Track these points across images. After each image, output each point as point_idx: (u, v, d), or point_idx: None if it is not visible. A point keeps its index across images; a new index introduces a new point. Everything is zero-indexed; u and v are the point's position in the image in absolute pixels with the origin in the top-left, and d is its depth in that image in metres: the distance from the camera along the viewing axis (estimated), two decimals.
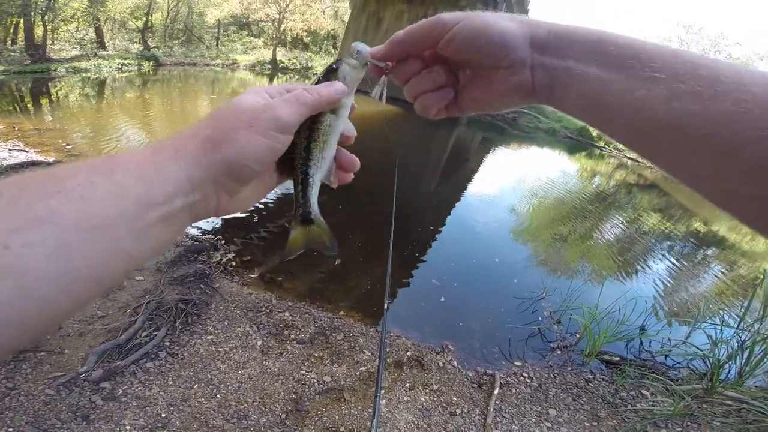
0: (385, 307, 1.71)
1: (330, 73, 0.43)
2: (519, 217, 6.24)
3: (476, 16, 0.37)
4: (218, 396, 2.17)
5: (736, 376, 2.76)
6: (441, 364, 2.72)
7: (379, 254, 3.94)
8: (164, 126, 8.09)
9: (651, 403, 2.66)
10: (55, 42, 15.22)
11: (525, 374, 2.78)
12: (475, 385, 2.61)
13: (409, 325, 3.11)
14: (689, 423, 2.50)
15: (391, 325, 3.03)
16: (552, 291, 3.87)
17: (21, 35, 13.64)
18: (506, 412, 2.44)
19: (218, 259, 3.46)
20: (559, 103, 0.37)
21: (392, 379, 2.53)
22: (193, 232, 3.82)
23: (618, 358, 3.05)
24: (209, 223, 4.01)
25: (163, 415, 2.01)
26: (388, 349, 2.76)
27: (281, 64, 21.44)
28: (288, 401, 2.23)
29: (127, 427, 1.92)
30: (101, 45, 16.94)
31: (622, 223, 7.08)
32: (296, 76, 20.20)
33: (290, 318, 2.86)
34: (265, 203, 4.64)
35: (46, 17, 13.47)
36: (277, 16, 21.64)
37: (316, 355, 2.59)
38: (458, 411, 2.38)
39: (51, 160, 4.95)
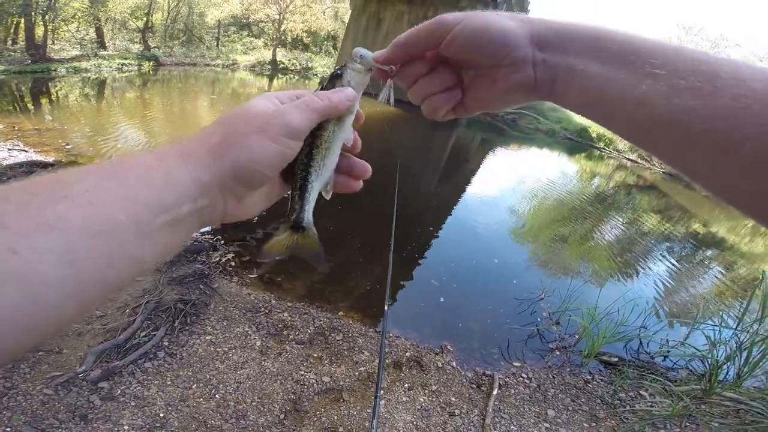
0: (386, 308, 1.71)
1: (335, 79, 0.43)
2: (518, 218, 6.24)
3: (477, 15, 0.37)
4: (217, 396, 2.17)
5: (734, 377, 2.76)
6: (440, 365, 2.73)
7: (378, 255, 3.94)
8: (164, 126, 8.08)
9: (649, 403, 2.66)
10: (55, 42, 15.21)
11: (524, 375, 2.78)
12: (474, 386, 2.62)
13: (409, 326, 3.12)
14: (687, 424, 2.50)
15: (391, 325, 3.03)
16: (551, 292, 3.87)
17: (21, 35, 13.62)
18: (505, 412, 2.44)
19: (217, 259, 3.46)
20: (561, 100, 0.37)
21: (391, 380, 2.53)
22: None
23: (617, 359, 3.05)
24: None
25: (162, 415, 2.01)
26: (387, 350, 2.76)
27: (281, 65, 21.45)
28: (287, 401, 2.23)
29: (126, 427, 1.91)
30: (102, 45, 16.92)
31: (622, 224, 7.09)
32: (296, 77, 20.22)
33: (289, 318, 2.86)
34: None
35: (46, 17, 13.46)
36: (277, 17, 21.63)
37: (315, 355, 2.59)
38: (457, 411, 2.38)
39: (51, 160, 4.95)
